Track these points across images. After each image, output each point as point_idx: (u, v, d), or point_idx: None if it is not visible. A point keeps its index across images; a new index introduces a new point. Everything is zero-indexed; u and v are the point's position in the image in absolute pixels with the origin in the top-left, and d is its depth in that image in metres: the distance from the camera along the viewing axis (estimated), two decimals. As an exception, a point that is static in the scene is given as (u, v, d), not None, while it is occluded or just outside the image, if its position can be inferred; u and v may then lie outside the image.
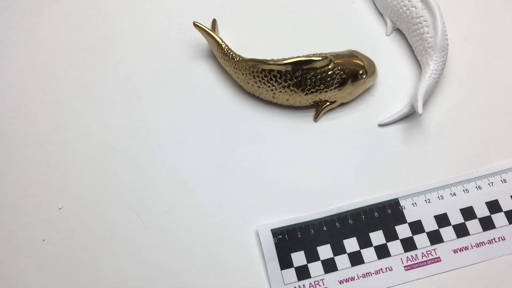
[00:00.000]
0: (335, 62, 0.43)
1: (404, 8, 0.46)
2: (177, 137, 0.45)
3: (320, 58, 0.42)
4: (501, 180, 0.43)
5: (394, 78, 0.47)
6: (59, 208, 0.43)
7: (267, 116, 0.46)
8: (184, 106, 0.46)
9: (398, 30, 0.49)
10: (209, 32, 0.46)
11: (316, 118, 0.45)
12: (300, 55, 0.43)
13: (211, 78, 0.47)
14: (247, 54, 0.47)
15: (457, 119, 0.45)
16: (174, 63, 0.48)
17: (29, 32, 0.50)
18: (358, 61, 0.44)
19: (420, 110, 0.42)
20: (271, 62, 0.43)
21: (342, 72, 0.43)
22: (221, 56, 0.46)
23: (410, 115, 0.45)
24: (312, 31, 0.49)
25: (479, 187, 0.43)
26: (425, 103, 0.45)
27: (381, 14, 0.49)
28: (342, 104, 0.46)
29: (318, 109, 0.45)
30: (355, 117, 0.46)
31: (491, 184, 0.43)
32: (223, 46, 0.45)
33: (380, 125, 0.45)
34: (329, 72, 0.43)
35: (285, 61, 0.42)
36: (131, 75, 0.48)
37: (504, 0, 0.50)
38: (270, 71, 0.43)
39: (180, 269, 0.40)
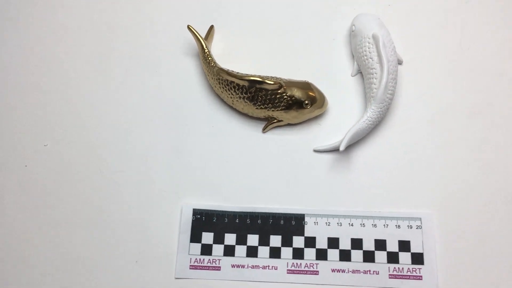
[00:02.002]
0: (286, 88, 0.51)
1: (365, 57, 0.52)
2: (149, 114, 0.54)
3: (272, 82, 0.50)
4: (396, 225, 0.49)
5: (343, 114, 0.54)
6: (45, 145, 0.54)
7: (226, 117, 0.54)
8: (162, 92, 0.55)
9: (362, 74, 0.55)
10: (198, 36, 0.54)
11: (264, 130, 0.53)
12: (258, 75, 0.51)
13: (193, 75, 0.56)
14: (228, 62, 0.55)
15: (381, 164, 0.51)
16: (166, 56, 0.57)
17: None
18: (309, 92, 0.51)
19: (341, 147, 0.49)
20: (232, 75, 0.51)
21: (289, 98, 0.51)
22: (202, 59, 0.54)
23: (336, 150, 0.52)
24: (292, 55, 0.56)
25: (375, 225, 0.49)
26: (357, 143, 0.52)
27: (353, 56, 0.56)
28: (290, 124, 0.53)
29: (268, 123, 0.53)
30: (297, 138, 0.53)
31: (385, 226, 0.49)
32: (205, 50, 0.54)
33: (315, 151, 0.52)
34: (278, 96, 0.51)
35: (244, 77, 0.50)
36: (122, 58, 0.58)
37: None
38: (231, 82, 0.51)
39: (113, 220, 0.51)
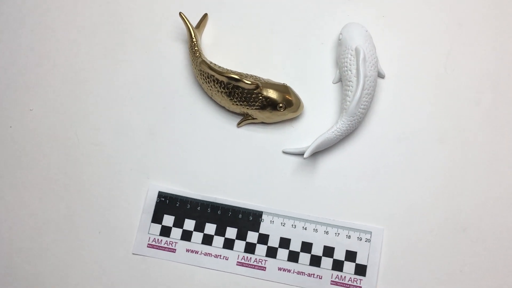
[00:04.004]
0: (262, 88, 0.52)
1: (345, 68, 0.53)
2: (132, 91, 0.57)
3: (249, 82, 0.52)
4: (347, 235, 0.51)
5: (317, 120, 0.55)
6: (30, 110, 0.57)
7: (204, 107, 0.56)
8: (148, 72, 0.57)
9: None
10: (188, 25, 0.56)
11: (238, 124, 0.55)
12: (238, 73, 0.53)
13: (181, 61, 0.57)
14: (215, 53, 0.57)
15: (344, 174, 0.53)
16: (158, 38, 0.58)
17: None
18: (286, 95, 0.53)
19: (306, 154, 0.51)
20: (213, 69, 0.53)
21: (264, 99, 0.52)
22: (189, 47, 0.56)
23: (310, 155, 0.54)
24: (278, 54, 0.58)
25: (327, 232, 0.51)
26: (326, 150, 0.54)
27: (337, 63, 0.57)
28: (264, 123, 0.55)
29: (243, 118, 0.55)
30: (269, 137, 0.55)
31: (337, 234, 0.51)
32: (193, 40, 0.55)
33: (284, 152, 0.54)
34: (253, 95, 0.52)
35: (223, 73, 0.52)
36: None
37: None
38: (211, 75, 0.53)
39: (83, 188, 0.54)
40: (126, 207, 0.53)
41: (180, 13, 0.56)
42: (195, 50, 0.55)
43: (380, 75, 0.55)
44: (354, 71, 0.52)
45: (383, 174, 0.53)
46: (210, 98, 0.56)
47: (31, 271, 0.52)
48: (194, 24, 0.57)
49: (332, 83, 0.56)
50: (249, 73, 0.55)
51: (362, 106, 0.52)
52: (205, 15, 0.58)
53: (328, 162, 0.54)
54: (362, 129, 0.55)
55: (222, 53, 0.58)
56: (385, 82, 0.56)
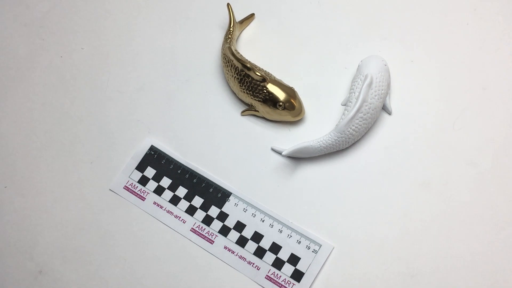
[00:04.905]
0: (268, 83, 0.56)
1: (352, 90, 0.56)
2: (159, 56, 0.63)
3: (258, 74, 0.56)
4: (297, 240, 0.53)
5: (314, 132, 0.57)
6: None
7: (220, 90, 0.61)
8: (186, 47, 0.63)
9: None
10: (231, 15, 0.61)
11: (242, 112, 0.59)
12: (252, 64, 0.57)
13: (214, 46, 0.63)
14: (248, 49, 0.62)
15: (320, 185, 0.55)
16: (205, 24, 0.65)
17: None
18: (290, 98, 0.56)
19: (284, 152, 0.54)
20: (233, 54, 0.57)
21: (267, 93, 0.56)
22: (225, 34, 0.61)
23: (296, 158, 0.56)
24: (302, 65, 0.61)
25: (281, 231, 0.53)
26: (312, 160, 0.56)
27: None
28: (265, 119, 0.59)
29: (247, 108, 0.59)
30: (265, 132, 0.58)
31: (289, 236, 0.53)
32: (230, 29, 0.61)
33: (272, 149, 0.57)
34: (259, 87, 0.56)
35: (239, 60, 0.57)
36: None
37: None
38: (230, 60, 0.58)
39: (87, 121, 0.61)
40: (121, 149, 0.59)
41: (227, 4, 0.62)
42: (228, 37, 0.60)
43: (387, 110, 0.57)
44: (357, 94, 0.55)
45: (351, 197, 0.54)
46: (227, 83, 0.61)
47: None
48: (240, 18, 0.63)
49: (341, 104, 0.59)
50: (269, 72, 0.59)
51: (353, 127, 0.54)
52: (252, 15, 0.64)
53: (309, 170, 0.56)
54: (352, 152, 0.56)
55: (253, 50, 0.62)
56: (391, 120, 0.58)
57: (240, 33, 0.64)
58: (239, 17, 0.63)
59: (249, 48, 0.63)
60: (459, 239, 0.52)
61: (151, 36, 0.65)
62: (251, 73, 0.56)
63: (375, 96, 0.55)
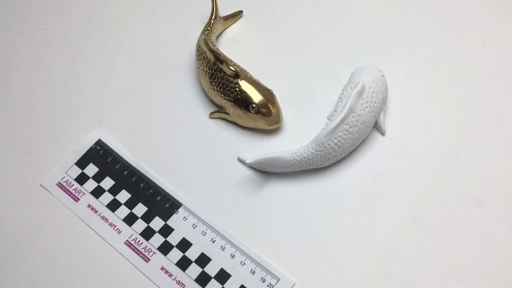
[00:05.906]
0: (242, 80, 0.48)
1: (339, 99, 0.47)
2: (135, 46, 0.55)
3: (232, 69, 0.47)
4: (252, 270, 0.42)
5: (290, 145, 0.48)
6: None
7: (189, 87, 0.52)
8: (160, 37, 0.56)
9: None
10: (214, 5, 0.54)
11: (211, 114, 0.50)
12: (226, 57, 0.49)
13: (192, 39, 0.55)
14: (231, 49, 0.54)
15: (287, 209, 0.45)
16: (186, 15, 0.57)
17: None
18: (267, 102, 0.47)
19: (248, 161, 0.45)
20: (207, 45, 0.49)
21: (239, 92, 0.47)
22: (204, 26, 0.54)
23: (265, 172, 0.47)
24: (289, 70, 0.53)
25: (233, 256, 0.43)
26: (282, 177, 0.47)
27: (340, 100, 0.50)
28: (237, 125, 0.50)
29: (217, 110, 0.50)
30: (233, 139, 0.49)
31: (242, 264, 0.43)
32: (211, 21, 0.53)
33: (239, 159, 0.48)
34: (231, 84, 0.48)
35: (212, 51, 0.49)
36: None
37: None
38: (204, 51, 0.50)
39: (43, 109, 0.52)
40: (64, 140, 0.50)
41: (212, -4, 0.55)
42: (207, 29, 0.52)
43: (380, 128, 0.48)
44: (344, 103, 0.46)
45: (328, 230, 0.44)
46: (199, 80, 0.52)
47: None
48: (226, 14, 0.56)
49: (326, 118, 0.49)
50: (248, 71, 0.51)
51: (335, 141, 0.45)
52: (240, 12, 0.56)
53: (278, 188, 0.46)
54: (332, 172, 0.47)
55: (236, 49, 0.54)
56: (384, 141, 0.48)
57: (224, 30, 0.56)
58: (226, 13, 0.56)
59: (231, 46, 0.55)
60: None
61: (122, 22, 0.57)
62: (223, 67, 0.48)
63: (366, 108, 0.46)
